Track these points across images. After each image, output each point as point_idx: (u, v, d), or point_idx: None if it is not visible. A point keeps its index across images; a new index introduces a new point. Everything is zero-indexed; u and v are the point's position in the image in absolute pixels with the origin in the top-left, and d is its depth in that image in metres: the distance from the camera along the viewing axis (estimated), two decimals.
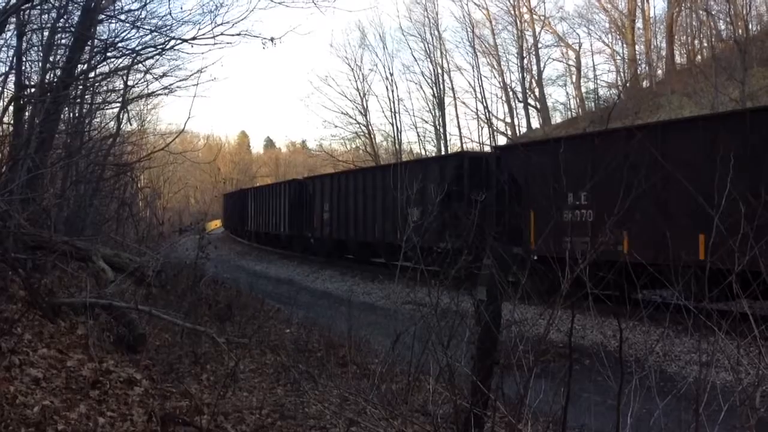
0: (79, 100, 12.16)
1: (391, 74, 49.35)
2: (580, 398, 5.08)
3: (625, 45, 42.85)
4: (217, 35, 9.05)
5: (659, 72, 41.18)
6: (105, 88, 12.77)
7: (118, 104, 12.88)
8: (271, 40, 9.52)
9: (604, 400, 4.69)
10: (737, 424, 3.33)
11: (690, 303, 3.72)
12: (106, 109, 14.31)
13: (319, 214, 25.30)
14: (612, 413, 3.50)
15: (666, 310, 4.32)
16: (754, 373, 3.45)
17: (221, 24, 9.22)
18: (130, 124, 17.25)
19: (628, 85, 40.90)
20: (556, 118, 46.09)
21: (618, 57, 43.97)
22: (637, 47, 41.97)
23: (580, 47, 46.18)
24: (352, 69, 49.27)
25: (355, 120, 48.56)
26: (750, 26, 33.60)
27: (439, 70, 47.13)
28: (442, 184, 16.52)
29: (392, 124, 48.87)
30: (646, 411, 3.68)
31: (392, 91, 56.14)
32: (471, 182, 16.32)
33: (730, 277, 3.55)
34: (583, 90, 45.89)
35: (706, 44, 37.84)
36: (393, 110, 48.50)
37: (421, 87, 50.35)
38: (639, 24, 41.94)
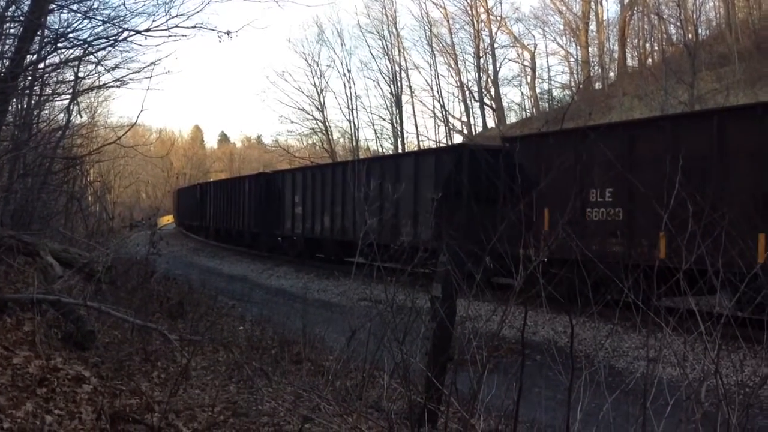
0: (27, 92, 11.83)
1: (349, 71, 49.51)
2: (532, 393, 5.16)
3: (578, 47, 43.63)
4: (172, 27, 8.89)
5: (611, 74, 42.05)
6: (55, 79, 12.43)
7: (69, 96, 12.57)
8: (228, 33, 9.40)
9: (554, 395, 4.77)
10: (683, 417, 3.42)
11: (638, 300, 3.81)
12: (56, 100, 13.95)
13: (290, 210, 23.89)
14: (562, 408, 3.56)
15: (615, 307, 4.41)
16: (700, 369, 3.55)
17: (176, 16, 9.05)
18: (81, 117, 16.91)
19: (581, 86, 41.62)
20: (511, 118, 46.74)
21: (572, 59, 44.78)
22: (590, 49, 42.81)
23: (535, 48, 46.92)
24: (310, 65, 49.27)
25: (312, 116, 48.49)
26: (699, 31, 34.60)
27: (397, 68, 47.37)
28: (437, 180, 15.58)
29: (349, 121, 48.96)
30: (596, 405, 3.75)
31: (350, 88, 56.25)
32: (472, 178, 14.74)
33: (678, 274, 3.64)
34: (538, 91, 46.63)
35: (657, 47, 38.80)
36: (350, 107, 48.58)
37: (379, 84, 50.66)
38: (593, 27, 42.82)
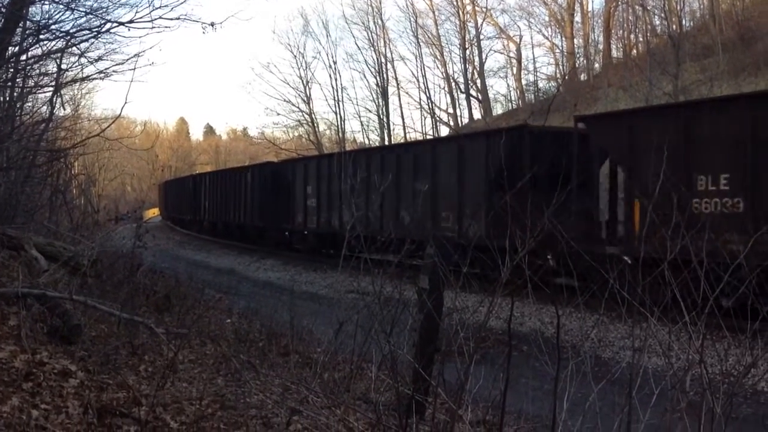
0: (10, 84, 11.72)
1: (335, 62, 49.15)
2: (519, 383, 5.20)
3: (564, 38, 43.69)
4: (155, 19, 8.87)
5: (596, 65, 42.17)
6: (37, 71, 12.33)
7: (51, 88, 12.48)
8: (212, 25, 9.40)
9: (541, 385, 4.81)
10: (668, 406, 3.45)
11: (624, 290, 3.83)
12: (39, 93, 13.81)
13: (301, 203, 21.84)
14: (549, 398, 3.58)
15: (601, 298, 4.45)
16: (685, 358, 3.59)
17: (159, 7, 9.03)
18: (64, 109, 16.78)
19: (566, 78, 41.72)
20: (497, 110, 46.77)
21: (557, 50, 44.82)
22: (575, 41, 42.87)
23: (520, 40, 46.91)
24: (295, 56, 48.95)
25: (298, 108, 48.29)
26: (684, 22, 34.73)
27: (383, 60, 47.24)
28: (489, 167, 13.64)
29: (335, 113, 48.82)
30: (582, 395, 3.78)
31: (335, 80, 56.00)
32: (534, 164, 12.39)
33: (663, 265, 3.67)
34: (524, 82, 46.65)
35: (641, 39, 38.91)
36: (336, 99, 48.42)
37: (365, 76, 50.45)
38: (578, 18, 42.84)
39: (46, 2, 10.30)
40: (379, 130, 47.86)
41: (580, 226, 11.09)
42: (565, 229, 4.08)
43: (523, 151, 13.05)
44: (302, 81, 48.14)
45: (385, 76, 47.17)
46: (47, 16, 10.68)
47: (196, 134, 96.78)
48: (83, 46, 10.64)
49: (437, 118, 47.24)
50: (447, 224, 14.46)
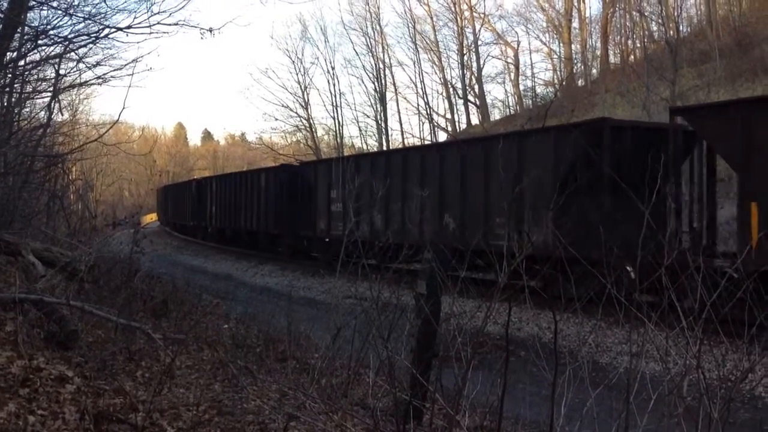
0: (8, 89, 11.72)
1: (333, 68, 49.35)
2: (516, 389, 5.19)
3: (561, 44, 43.80)
4: (154, 24, 8.86)
5: (594, 71, 42.26)
6: (35, 76, 12.34)
7: (50, 93, 12.49)
8: (210, 30, 9.38)
9: (539, 391, 4.80)
10: (666, 412, 3.45)
11: (621, 295, 3.83)
12: (37, 98, 13.83)
13: (324, 208, 20.14)
14: (546, 403, 3.58)
15: (598, 303, 4.44)
16: (682, 363, 3.58)
17: (158, 13, 9.03)
18: (62, 114, 16.73)
19: (564, 83, 41.80)
20: (495, 115, 46.79)
21: (555, 56, 44.93)
22: (573, 46, 42.98)
23: (518, 45, 47.00)
24: (293, 62, 48.90)
25: (296, 113, 48.24)
26: (681, 28, 34.81)
27: (381, 65, 47.22)
28: (557, 167, 12.14)
29: (334, 118, 48.74)
30: (579, 401, 3.78)
31: (334, 85, 56.31)
32: (614, 163, 11.20)
33: (660, 269, 3.67)
34: (521, 88, 46.70)
35: (639, 45, 39.01)
36: (334, 104, 48.36)
37: (363, 81, 50.33)
38: (575, 24, 42.96)
39: (45, 8, 10.31)
40: (377, 136, 47.88)
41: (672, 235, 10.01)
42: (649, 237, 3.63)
43: (601, 147, 11.46)
44: (300, 86, 48.17)
45: (383, 81, 47.22)
46: (45, 21, 10.69)
47: (194, 139, 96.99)
48: (81, 51, 10.65)
49: (435, 124, 47.32)
50: (502, 231, 12.87)
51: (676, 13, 33.84)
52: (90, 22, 9.71)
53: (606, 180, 10.84)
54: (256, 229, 25.44)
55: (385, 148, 41.99)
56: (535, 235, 11.87)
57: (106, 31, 9.60)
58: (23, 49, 10.49)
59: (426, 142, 41.80)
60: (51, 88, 12.27)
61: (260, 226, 24.97)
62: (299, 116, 48.40)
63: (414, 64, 49.96)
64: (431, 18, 47.04)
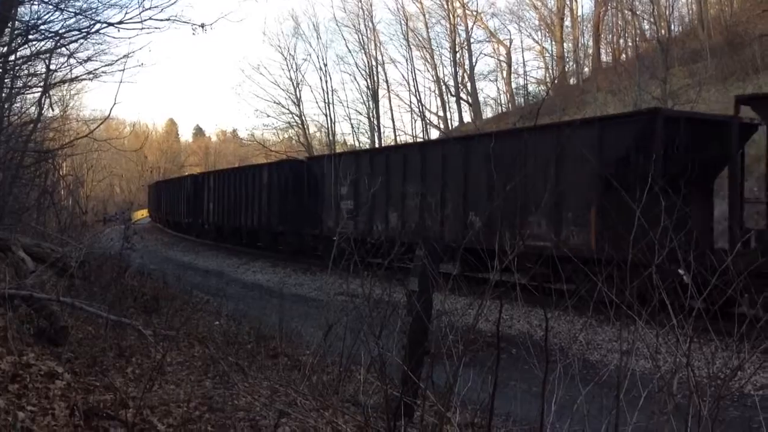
0: None
1: (325, 65, 49.17)
2: (507, 386, 5.21)
3: (553, 42, 43.90)
4: (145, 20, 8.84)
5: (586, 70, 42.41)
6: (26, 71, 12.30)
7: (40, 89, 12.44)
8: (202, 26, 9.36)
9: (529, 388, 4.82)
10: (656, 409, 3.47)
11: (612, 293, 3.85)
12: (27, 93, 13.78)
13: (333, 205, 18.92)
14: (537, 400, 3.59)
15: (589, 301, 4.46)
16: (672, 361, 3.60)
17: (149, 8, 9.00)
18: (52, 110, 16.68)
19: (556, 82, 41.90)
20: (487, 113, 46.89)
21: (547, 54, 45.04)
22: (565, 45, 43.10)
23: (510, 43, 47.10)
24: (285, 58, 48.96)
25: (288, 110, 48.18)
26: (672, 27, 34.98)
27: (373, 62, 47.23)
28: (603, 161, 11.20)
29: (326, 115, 48.72)
30: (570, 398, 3.79)
31: (326, 82, 56.04)
32: (668, 157, 10.26)
33: (650, 268, 3.68)
34: (513, 86, 46.85)
35: (630, 43, 39.17)
36: (327, 101, 48.34)
37: (355, 78, 50.35)
38: (567, 22, 43.08)
39: (36, 2, 10.25)
40: (369, 133, 47.89)
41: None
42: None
43: (653, 141, 10.54)
44: (292, 83, 48.10)
45: (375, 78, 47.22)
46: (36, 16, 10.64)
47: (186, 135, 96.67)
48: (72, 46, 10.62)
49: (427, 121, 47.35)
50: (537, 230, 12.02)
51: (667, 12, 33.97)
52: (81, 17, 9.69)
53: (658, 176, 9.79)
54: (258, 226, 24.63)
55: (378, 146, 41.95)
56: (575, 236, 11.06)
57: (98, 26, 9.59)
58: (14, 44, 10.44)
59: (418, 140, 41.79)
60: (41, 84, 12.23)
61: (262, 224, 24.12)
62: (291, 113, 48.37)
63: (406, 61, 50.18)
64: (424, 15, 47.10)
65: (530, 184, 11.99)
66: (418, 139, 42.68)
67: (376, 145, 42.79)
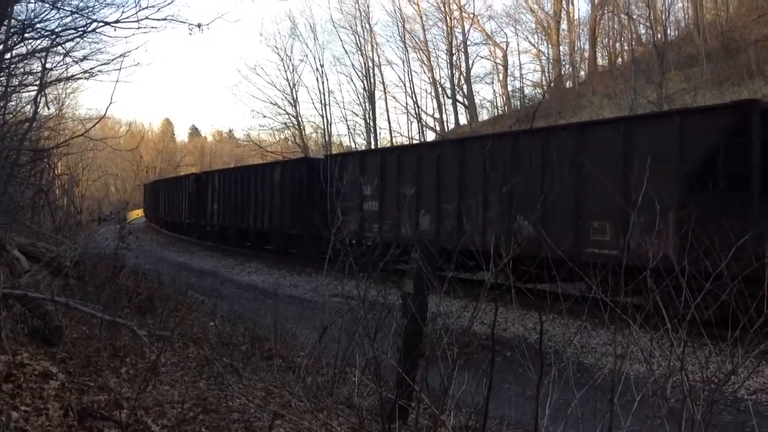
0: None
1: (322, 66, 49.44)
2: (502, 389, 5.22)
3: (550, 46, 44.00)
4: (142, 19, 8.84)
5: (582, 73, 42.48)
6: (22, 70, 12.27)
7: (36, 87, 12.41)
8: (198, 26, 9.37)
9: (524, 391, 4.83)
10: (650, 413, 3.48)
11: (606, 297, 3.86)
12: (23, 92, 13.74)
13: (355, 207, 17.14)
14: (531, 403, 3.60)
15: (584, 304, 4.47)
16: (666, 365, 3.61)
17: (146, 8, 9.01)
18: (48, 109, 16.65)
19: (552, 85, 41.99)
20: (483, 116, 46.97)
21: (543, 57, 45.13)
22: (561, 48, 43.21)
23: (507, 46, 47.22)
24: (282, 59, 49.04)
25: (285, 110, 48.23)
26: (668, 31, 35.09)
27: (370, 64, 47.31)
28: (684, 161, 9.87)
29: (322, 116, 48.77)
30: (564, 401, 3.80)
31: (322, 83, 56.15)
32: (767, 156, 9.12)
33: (645, 272, 3.70)
34: (510, 88, 46.96)
35: (626, 47, 39.27)
36: (323, 102, 48.39)
37: (352, 80, 50.34)
38: (564, 26, 43.22)
39: (32, 1, 10.26)
40: (365, 134, 47.92)
41: None
42: None
43: (749, 136, 9.26)
44: (289, 84, 48.14)
45: (372, 80, 47.30)
46: (32, 14, 10.64)
47: (182, 135, 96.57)
48: (68, 45, 10.61)
49: (423, 123, 47.40)
50: (601, 237, 10.80)
51: (663, 17, 34.11)
52: (77, 15, 9.68)
53: (755, 177, 8.91)
54: (268, 228, 23.24)
55: (374, 147, 41.92)
56: (648, 244, 10.01)
57: (94, 25, 9.58)
58: (9, 42, 10.42)
59: (414, 141, 41.79)
60: (37, 82, 12.20)
61: (273, 226, 22.75)
62: (288, 113, 48.42)
63: (403, 63, 50.20)
64: (421, 17, 47.19)
65: (592, 183, 10.89)
66: (414, 141, 42.74)
67: (372, 147, 42.77)
